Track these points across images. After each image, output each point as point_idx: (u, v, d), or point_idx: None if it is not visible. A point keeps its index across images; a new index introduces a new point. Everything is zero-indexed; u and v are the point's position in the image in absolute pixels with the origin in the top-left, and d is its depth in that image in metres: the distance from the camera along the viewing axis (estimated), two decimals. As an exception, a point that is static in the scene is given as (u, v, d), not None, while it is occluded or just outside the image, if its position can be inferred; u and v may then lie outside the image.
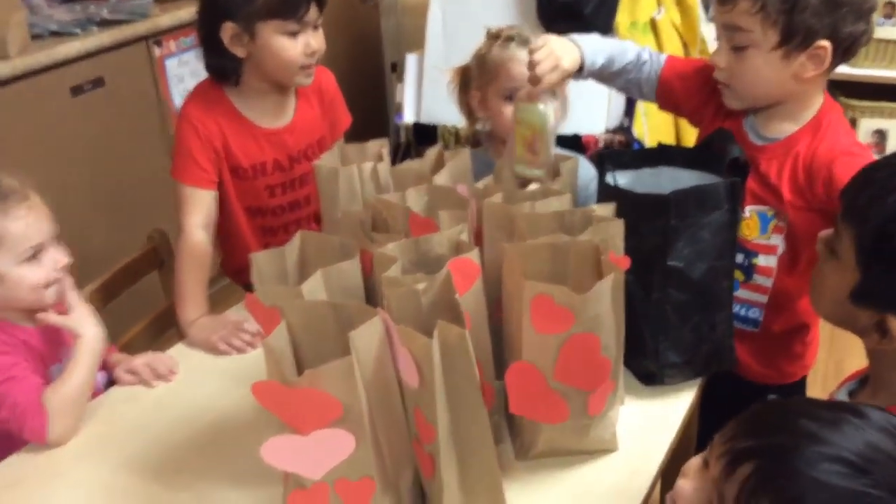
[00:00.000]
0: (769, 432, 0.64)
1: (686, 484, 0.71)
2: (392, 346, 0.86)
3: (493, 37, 1.49)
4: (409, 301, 0.90)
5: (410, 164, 1.27)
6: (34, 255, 1.12)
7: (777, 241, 1.25)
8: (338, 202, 1.24)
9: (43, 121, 1.96)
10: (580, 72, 1.29)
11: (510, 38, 1.46)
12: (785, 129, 1.23)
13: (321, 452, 0.82)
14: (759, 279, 1.28)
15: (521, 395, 0.97)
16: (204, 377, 1.26)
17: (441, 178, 1.19)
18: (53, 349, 1.19)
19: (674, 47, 2.25)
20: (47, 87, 1.96)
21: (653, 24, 2.24)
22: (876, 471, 0.59)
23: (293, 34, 1.39)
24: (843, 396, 0.92)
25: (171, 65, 2.25)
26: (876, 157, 1.07)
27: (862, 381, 0.92)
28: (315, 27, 1.42)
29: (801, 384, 1.38)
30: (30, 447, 1.12)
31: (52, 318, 1.14)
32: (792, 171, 1.21)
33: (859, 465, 0.59)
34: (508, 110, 1.41)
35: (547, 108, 1.22)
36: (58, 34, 2.00)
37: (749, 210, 1.23)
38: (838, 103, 1.28)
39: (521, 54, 1.38)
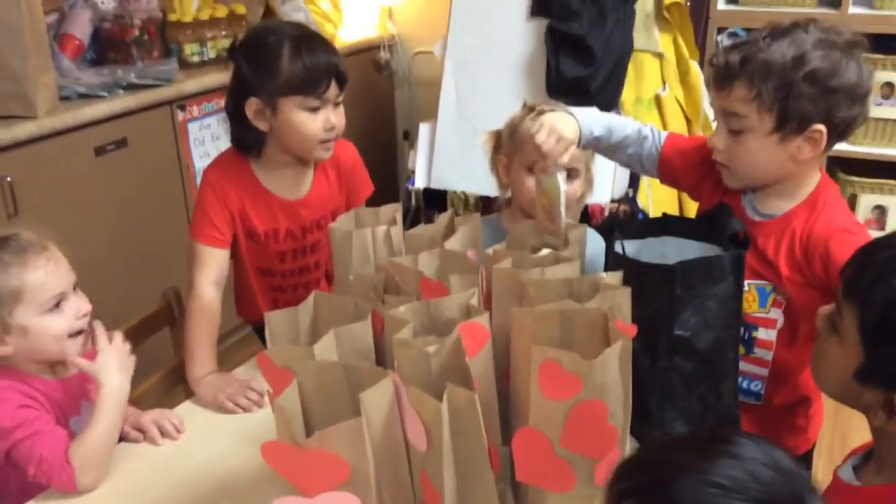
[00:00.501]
0: (647, 468, 0.67)
1: None
2: (401, 409, 0.87)
3: (529, 109, 1.52)
4: (419, 364, 0.92)
5: (423, 229, 1.30)
6: (56, 304, 1.14)
7: (776, 314, 1.27)
8: (351, 265, 1.27)
9: (67, 179, 2.01)
10: (578, 142, 1.33)
11: (542, 112, 1.49)
12: (782, 206, 1.26)
13: (328, 514, 0.82)
14: (759, 352, 1.29)
15: (528, 461, 0.97)
16: (211, 436, 1.26)
17: (452, 244, 1.21)
18: (74, 402, 1.20)
19: (678, 123, 2.31)
20: (72, 146, 2.02)
21: (657, 101, 2.31)
22: (750, 490, 0.60)
23: (314, 110, 1.43)
24: (848, 471, 0.92)
25: (194, 128, 2.32)
26: (875, 233, 1.09)
27: (866, 456, 0.92)
28: (336, 104, 1.47)
29: (807, 458, 1.37)
30: (40, 497, 1.12)
31: (78, 361, 1.16)
32: (789, 247, 1.23)
33: (733, 486, 0.61)
34: (529, 181, 1.46)
35: (559, 179, 1.26)
36: (85, 96, 2.07)
37: (748, 284, 1.25)
38: (835, 181, 1.31)
39: None
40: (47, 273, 1.13)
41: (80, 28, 2.28)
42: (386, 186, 2.39)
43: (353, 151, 1.64)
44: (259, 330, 1.72)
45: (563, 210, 1.26)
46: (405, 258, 1.17)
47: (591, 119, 1.35)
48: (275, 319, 1.03)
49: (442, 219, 1.32)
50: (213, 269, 1.48)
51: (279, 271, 1.60)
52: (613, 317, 0.99)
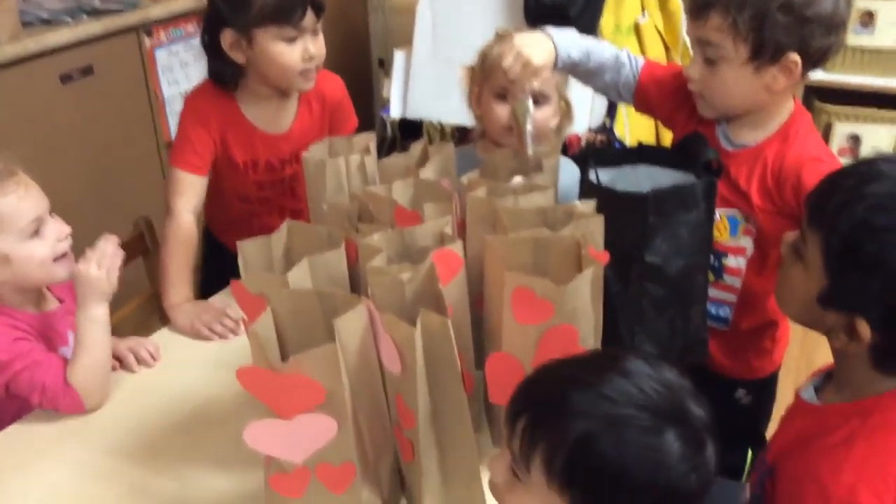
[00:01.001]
0: (543, 385, 0.73)
1: (495, 460, 0.76)
2: (375, 334, 0.88)
3: (500, 36, 1.51)
4: (393, 290, 0.93)
5: (396, 158, 1.29)
6: (36, 230, 1.13)
7: (746, 243, 1.29)
8: (324, 194, 1.26)
9: (32, 108, 1.96)
10: (554, 65, 1.31)
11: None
12: (755, 136, 1.26)
13: (303, 437, 0.84)
14: (728, 279, 1.31)
15: (501, 384, 0.99)
16: (187, 363, 1.28)
17: (426, 173, 1.21)
18: (60, 333, 1.20)
19: (656, 50, 2.29)
20: (37, 74, 1.96)
21: (636, 28, 2.28)
22: (636, 400, 0.67)
23: (291, 40, 1.40)
24: (809, 391, 0.95)
25: (161, 55, 2.26)
26: (847, 161, 1.10)
27: (827, 377, 0.95)
28: (314, 33, 1.44)
29: (772, 379, 1.42)
30: (15, 424, 1.14)
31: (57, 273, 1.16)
32: (761, 177, 1.24)
33: (619, 398, 0.67)
34: (499, 108, 1.44)
35: (527, 104, 1.26)
36: (48, 22, 2.00)
37: (719, 213, 1.26)
38: (811, 110, 1.31)
39: None
40: (19, 198, 1.11)
41: (39, -51, 2.18)
42: (361, 116, 2.35)
43: (341, 86, 1.61)
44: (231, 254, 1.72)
45: (528, 136, 1.26)
46: (379, 187, 1.17)
47: (569, 41, 1.33)
48: (248, 248, 1.03)
49: (415, 148, 1.31)
50: (191, 195, 1.47)
51: (256, 198, 1.60)
52: (586, 244, 1.00)
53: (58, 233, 1.15)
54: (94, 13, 2.07)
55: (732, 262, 1.30)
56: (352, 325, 0.85)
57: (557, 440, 0.68)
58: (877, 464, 0.82)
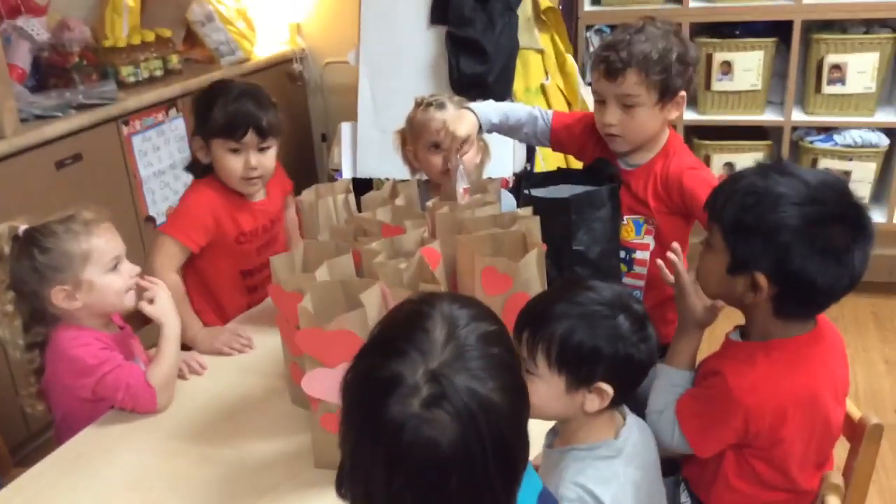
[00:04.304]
0: (530, 310, 1.12)
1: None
2: (387, 303, 1.21)
3: (418, 104, 1.87)
4: (394, 276, 1.27)
5: (374, 194, 1.64)
6: (115, 266, 1.41)
7: (649, 240, 1.66)
8: (318, 226, 1.60)
9: (32, 191, 2.22)
10: (479, 130, 1.71)
11: (429, 104, 1.84)
12: (646, 157, 1.66)
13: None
14: (637, 269, 1.68)
15: (478, 343, 1.33)
16: (222, 371, 1.56)
17: (399, 201, 1.57)
18: (127, 350, 1.47)
19: (560, 106, 2.73)
20: (35, 162, 2.24)
21: (543, 89, 2.71)
22: (591, 300, 1.07)
23: (235, 151, 1.72)
24: (736, 334, 1.28)
25: (137, 141, 2.56)
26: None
27: (742, 332, 1.28)
28: (261, 150, 1.73)
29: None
30: (92, 425, 1.39)
31: (145, 308, 1.43)
32: (654, 185, 1.64)
33: (581, 301, 1.07)
34: (433, 158, 1.80)
35: (457, 163, 1.65)
36: (41, 117, 2.29)
37: (627, 218, 1.65)
38: (690, 147, 1.73)
39: (438, 115, 1.78)
40: (107, 239, 1.41)
41: (21, 58, 2.49)
42: (309, 181, 2.67)
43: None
44: None
45: (460, 186, 1.61)
46: (367, 213, 1.52)
47: (488, 110, 1.74)
48: (277, 262, 1.35)
49: (387, 186, 1.67)
50: (176, 262, 1.72)
51: (257, 267, 1.85)
52: (530, 235, 1.37)
53: (130, 270, 1.44)
54: (81, 107, 2.37)
55: (639, 255, 1.68)
56: (372, 296, 1.18)
57: (550, 338, 1.05)
58: (771, 381, 1.16)
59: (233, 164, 1.73)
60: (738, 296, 1.19)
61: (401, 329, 0.80)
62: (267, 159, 1.76)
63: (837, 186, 1.16)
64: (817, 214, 1.11)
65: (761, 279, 1.14)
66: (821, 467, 1.27)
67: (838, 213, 1.12)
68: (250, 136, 1.72)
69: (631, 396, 1.13)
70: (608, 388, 1.06)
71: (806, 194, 1.12)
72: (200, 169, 1.79)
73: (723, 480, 1.25)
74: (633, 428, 1.14)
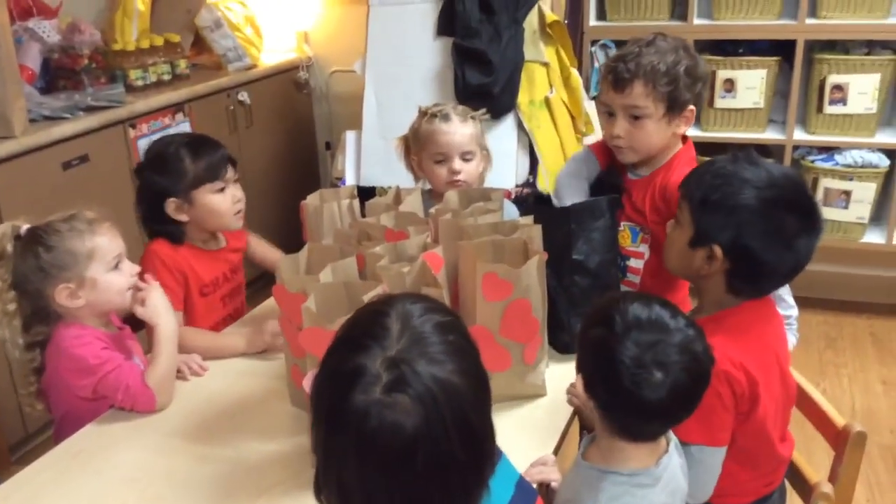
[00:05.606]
0: (593, 317, 1.13)
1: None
2: (390, 307, 1.23)
3: (423, 114, 1.86)
4: (397, 279, 1.28)
5: (378, 199, 1.66)
6: (116, 265, 1.43)
7: (644, 248, 1.68)
8: (322, 230, 1.62)
9: (39, 191, 2.25)
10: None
11: (434, 115, 1.82)
12: (650, 168, 1.68)
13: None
14: (630, 277, 1.70)
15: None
16: (221, 373, 1.57)
17: (404, 207, 1.59)
18: (125, 349, 1.48)
19: (564, 119, 2.75)
20: (44, 162, 2.26)
21: (547, 102, 2.72)
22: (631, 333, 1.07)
23: (221, 191, 1.74)
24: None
25: (143, 144, 2.59)
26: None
27: (696, 310, 1.36)
28: (235, 182, 1.77)
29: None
30: (93, 423, 1.41)
31: (137, 310, 1.44)
32: (652, 196, 1.66)
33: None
34: (438, 170, 1.80)
35: None
36: (49, 118, 2.32)
37: (624, 225, 1.67)
38: (692, 147, 1.73)
39: (443, 127, 1.77)
40: (109, 238, 1.42)
41: (32, 59, 2.52)
42: (311, 190, 2.70)
43: None
44: None
45: None
46: (371, 218, 1.54)
47: (568, 192, 1.70)
48: (283, 263, 1.37)
49: (391, 192, 1.69)
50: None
51: (222, 319, 1.81)
52: (531, 243, 1.39)
53: (131, 269, 1.46)
54: (89, 109, 2.40)
55: (634, 263, 1.70)
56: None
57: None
58: (731, 341, 1.22)
59: (223, 203, 1.74)
60: (696, 269, 1.29)
61: (362, 328, 0.84)
62: (241, 189, 1.80)
63: (796, 180, 1.31)
64: (774, 200, 1.23)
65: (717, 251, 1.25)
66: (784, 438, 1.33)
67: (793, 201, 1.25)
68: (230, 171, 1.76)
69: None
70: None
71: (767, 181, 1.25)
72: (179, 232, 1.74)
73: None
74: (673, 455, 1.14)
